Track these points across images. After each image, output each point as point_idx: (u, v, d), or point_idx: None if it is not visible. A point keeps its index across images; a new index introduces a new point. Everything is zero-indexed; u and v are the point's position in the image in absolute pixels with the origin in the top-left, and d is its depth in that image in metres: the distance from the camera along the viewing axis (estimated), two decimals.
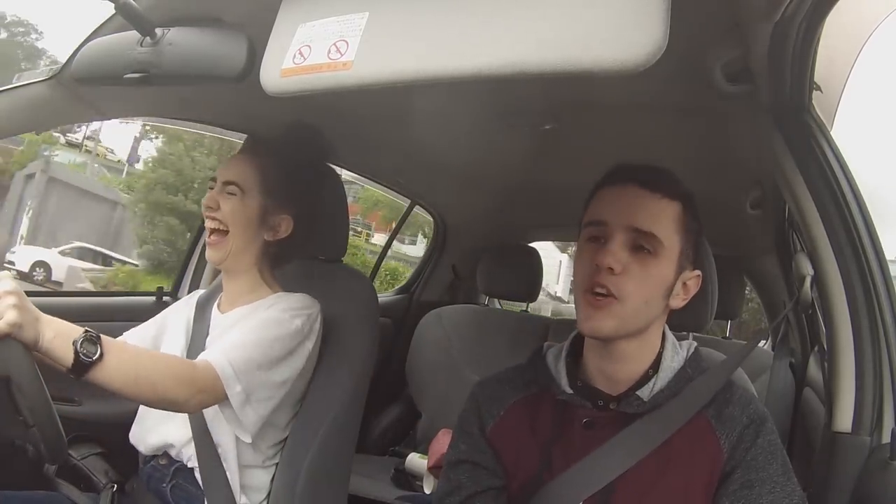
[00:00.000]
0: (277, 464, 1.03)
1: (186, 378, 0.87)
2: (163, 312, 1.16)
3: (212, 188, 1.05)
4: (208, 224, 1.03)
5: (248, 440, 0.96)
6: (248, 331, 0.96)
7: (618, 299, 0.74)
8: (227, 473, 0.97)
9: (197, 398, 0.88)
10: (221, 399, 0.91)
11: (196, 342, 1.05)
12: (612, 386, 0.79)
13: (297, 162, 1.10)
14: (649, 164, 0.80)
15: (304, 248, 1.13)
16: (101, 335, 0.80)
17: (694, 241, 0.80)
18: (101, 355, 0.78)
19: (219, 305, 1.09)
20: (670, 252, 0.76)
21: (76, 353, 0.76)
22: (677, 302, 0.80)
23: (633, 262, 0.75)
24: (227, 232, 1.02)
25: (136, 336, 1.11)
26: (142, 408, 1.05)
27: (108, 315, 1.32)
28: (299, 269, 1.19)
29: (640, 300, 0.75)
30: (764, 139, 0.89)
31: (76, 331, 0.78)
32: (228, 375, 0.90)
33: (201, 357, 0.92)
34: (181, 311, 1.13)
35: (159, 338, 1.11)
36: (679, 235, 0.77)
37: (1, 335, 0.71)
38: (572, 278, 0.81)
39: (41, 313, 0.77)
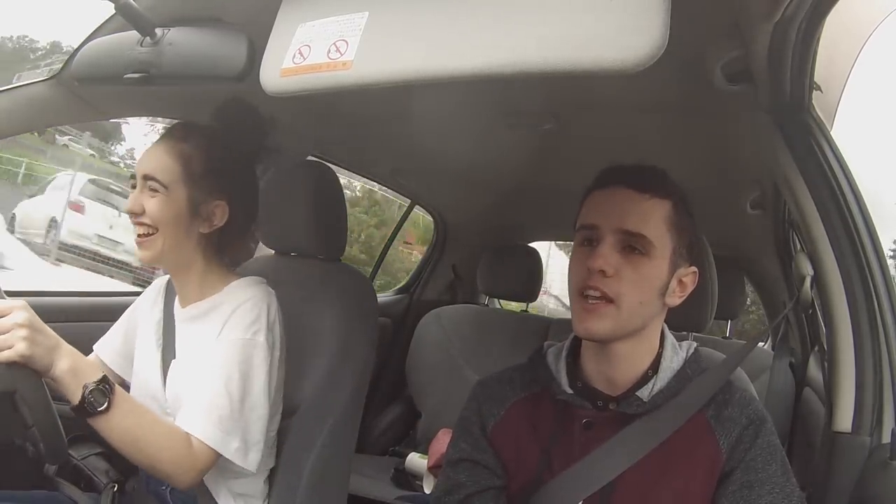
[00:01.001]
0: (273, 468, 1.03)
1: (183, 459, 0.86)
2: (132, 307, 1.11)
3: (134, 187, 0.96)
4: (136, 230, 0.95)
5: (255, 470, 0.94)
6: (219, 375, 0.91)
7: (612, 302, 0.74)
8: (219, 483, 0.97)
9: (189, 477, 0.87)
10: (217, 460, 0.90)
11: (167, 344, 1.01)
12: (611, 387, 0.79)
13: (226, 142, 1.01)
14: (641, 163, 0.80)
15: (247, 231, 1.06)
16: (117, 388, 0.80)
17: (688, 238, 0.80)
18: (107, 409, 0.78)
19: (178, 300, 1.04)
20: (662, 251, 0.76)
21: (83, 397, 0.77)
22: (674, 300, 0.79)
23: (625, 264, 0.75)
24: (156, 230, 0.94)
25: (107, 346, 1.08)
26: None
27: (107, 315, 1.31)
28: (298, 268, 1.19)
29: (635, 301, 0.75)
30: (764, 139, 0.89)
31: (92, 374, 0.79)
32: (219, 440, 0.88)
33: (188, 428, 0.88)
34: (148, 306, 1.08)
35: (131, 333, 1.07)
36: (671, 234, 0.77)
37: (8, 362, 0.72)
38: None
39: (61, 343, 0.78)
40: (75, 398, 0.77)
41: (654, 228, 0.76)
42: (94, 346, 1.10)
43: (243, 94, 0.99)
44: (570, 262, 0.80)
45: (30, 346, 0.73)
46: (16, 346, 0.72)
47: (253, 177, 1.05)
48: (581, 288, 0.76)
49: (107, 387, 0.79)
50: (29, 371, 0.75)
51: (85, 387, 0.77)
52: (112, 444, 0.81)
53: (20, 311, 0.75)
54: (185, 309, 1.02)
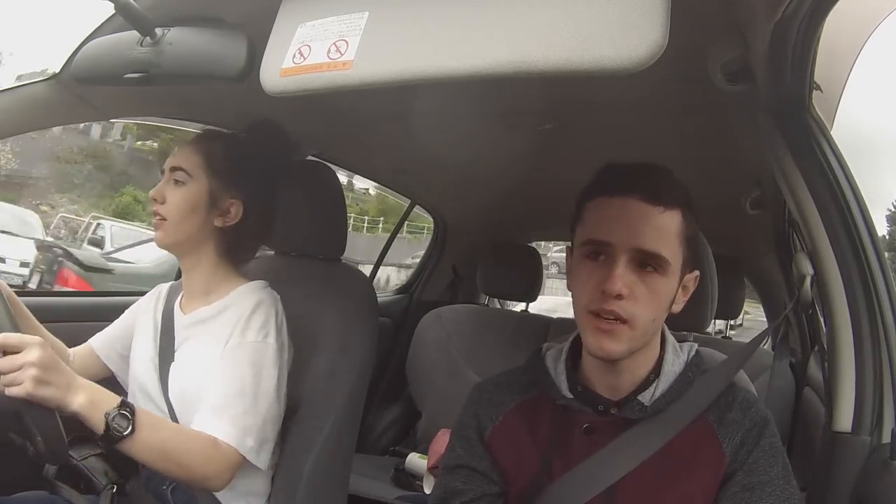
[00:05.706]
0: (276, 465, 1.03)
1: (212, 460, 0.88)
2: (132, 307, 1.14)
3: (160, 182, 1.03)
4: (154, 216, 1.01)
5: (265, 468, 0.97)
6: (232, 376, 0.93)
7: (627, 322, 0.72)
8: None
9: (224, 477, 0.90)
10: (242, 461, 0.92)
11: (165, 347, 1.03)
12: (613, 392, 0.78)
13: (250, 148, 1.08)
14: (644, 162, 0.77)
15: (259, 237, 1.10)
16: (137, 408, 0.81)
17: (694, 245, 0.78)
18: (133, 432, 0.79)
19: (181, 304, 1.06)
20: (675, 266, 0.74)
21: (108, 425, 0.78)
22: (679, 306, 0.78)
23: (638, 283, 0.72)
24: (166, 220, 0.99)
25: (104, 340, 1.11)
26: None
27: (108, 315, 1.32)
28: (298, 268, 1.19)
29: (649, 319, 0.73)
30: (764, 139, 0.89)
31: (111, 402, 0.80)
32: (236, 438, 0.91)
33: (210, 430, 0.90)
34: (148, 310, 1.10)
35: (129, 333, 1.09)
36: (682, 247, 0.75)
37: (17, 399, 0.73)
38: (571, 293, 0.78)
39: (76, 379, 0.78)
40: (99, 428, 0.78)
41: (669, 245, 0.73)
42: (91, 339, 1.11)
43: (243, 94, 0.99)
44: (577, 274, 0.76)
45: (38, 385, 0.74)
46: (24, 385, 0.73)
47: (271, 186, 1.10)
48: (594, 308, 0.73)
49: (127, 410, 0.80)
50: (38, 407, 0.75)
51: (107, 415, 0.78)
52: (145, 463, 0.83)
53: (33, 349, 0.75)
54: (187, 315, 1.03)
